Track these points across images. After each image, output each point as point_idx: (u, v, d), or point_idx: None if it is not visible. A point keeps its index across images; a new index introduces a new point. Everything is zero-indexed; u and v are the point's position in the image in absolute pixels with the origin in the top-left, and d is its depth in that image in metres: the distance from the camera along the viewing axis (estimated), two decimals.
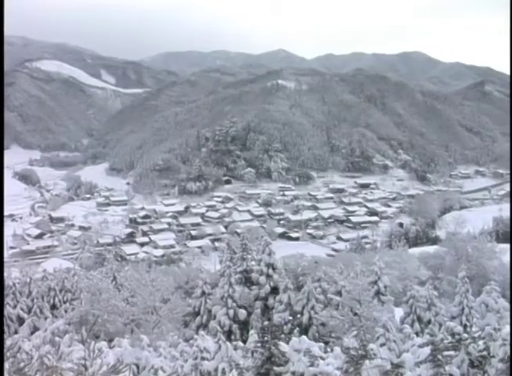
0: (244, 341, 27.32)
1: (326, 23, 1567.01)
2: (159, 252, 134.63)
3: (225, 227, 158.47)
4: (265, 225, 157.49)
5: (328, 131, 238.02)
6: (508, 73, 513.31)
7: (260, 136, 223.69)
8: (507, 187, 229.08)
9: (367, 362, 15.79)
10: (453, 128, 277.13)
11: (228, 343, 21.36)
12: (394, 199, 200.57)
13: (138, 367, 19.79)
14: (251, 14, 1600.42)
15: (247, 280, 40.97)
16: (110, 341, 25.01)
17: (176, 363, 21.41)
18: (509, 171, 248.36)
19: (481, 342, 19.00)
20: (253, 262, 41.81)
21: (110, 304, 31.59)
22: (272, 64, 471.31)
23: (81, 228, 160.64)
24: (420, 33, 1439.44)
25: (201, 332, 27.01)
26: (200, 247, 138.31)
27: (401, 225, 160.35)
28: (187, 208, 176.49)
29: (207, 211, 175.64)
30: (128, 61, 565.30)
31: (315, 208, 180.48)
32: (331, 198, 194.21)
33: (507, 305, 30.07)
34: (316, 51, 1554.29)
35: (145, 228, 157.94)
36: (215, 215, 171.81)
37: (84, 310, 31.77)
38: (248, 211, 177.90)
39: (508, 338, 17.76)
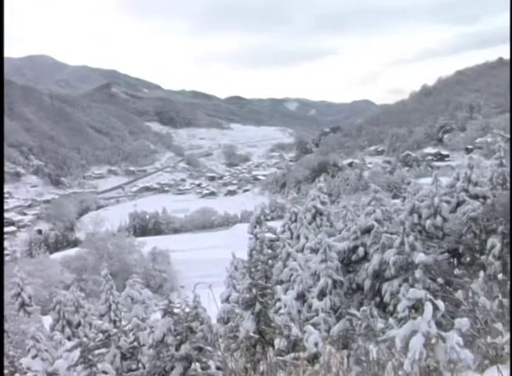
0: None
1: None
2: None
3: None
4: None
5: None
6: (132, 75, 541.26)
7: None
8: (140, 183, 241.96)
9: None
10: (83, 130, 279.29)
11: None
12: (29, 206, 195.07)
13: None
14: None
15: None
16: None
17: None
18: (139, 168, 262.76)
19: (130, 334, 19.80)
20: None
21: None
22: None
23: None
24: (45, 36, 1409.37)
25: None
26: None
27: (39, 231, 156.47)
28: None
29: None
30: None
31: None
32: None
33: (151, 293, 31.80)
34: None
35: None
36: None
37: None
38: None
39: (154, 324, 18.86)
